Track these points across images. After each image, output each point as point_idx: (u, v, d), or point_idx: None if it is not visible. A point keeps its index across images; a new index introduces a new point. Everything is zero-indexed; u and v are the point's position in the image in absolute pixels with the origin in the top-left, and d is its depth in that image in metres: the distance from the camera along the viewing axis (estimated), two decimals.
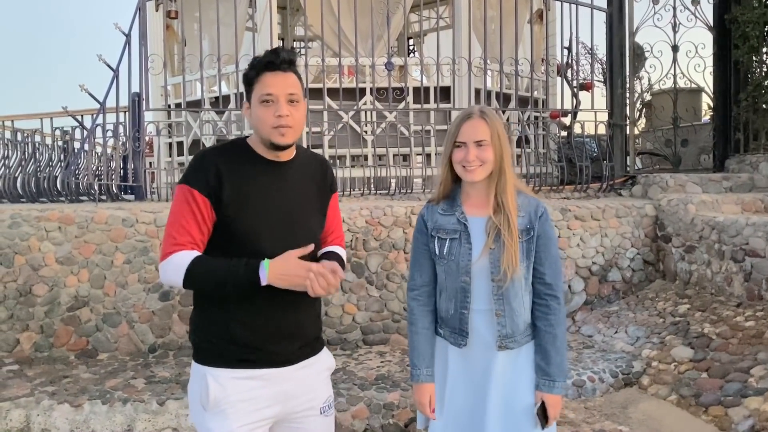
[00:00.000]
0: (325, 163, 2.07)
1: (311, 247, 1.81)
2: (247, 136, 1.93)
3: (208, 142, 6.59)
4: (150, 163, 7.84)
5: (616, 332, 4.68)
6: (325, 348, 2.05)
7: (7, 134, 6.53)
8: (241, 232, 1.81)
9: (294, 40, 11.07)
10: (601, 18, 6.67)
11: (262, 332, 1.84)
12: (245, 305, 1.82)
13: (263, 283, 1.73)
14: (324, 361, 2.01)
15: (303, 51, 11.04)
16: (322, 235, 2.03)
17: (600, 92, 7.80)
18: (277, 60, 1.80)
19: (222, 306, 1.83)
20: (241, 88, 6.79)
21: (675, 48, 6.68)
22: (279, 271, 1.73)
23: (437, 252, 2.05)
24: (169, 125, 6.94)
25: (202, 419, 1.85)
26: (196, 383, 1.87)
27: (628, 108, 6.64)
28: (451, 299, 2.04)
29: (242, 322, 1.82)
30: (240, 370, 1.82)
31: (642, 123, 8.18)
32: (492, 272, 1.97)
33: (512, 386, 2.02)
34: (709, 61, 6.70)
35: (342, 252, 2.08)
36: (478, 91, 6.60)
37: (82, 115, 6.61)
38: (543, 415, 2.02)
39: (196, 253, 1.78)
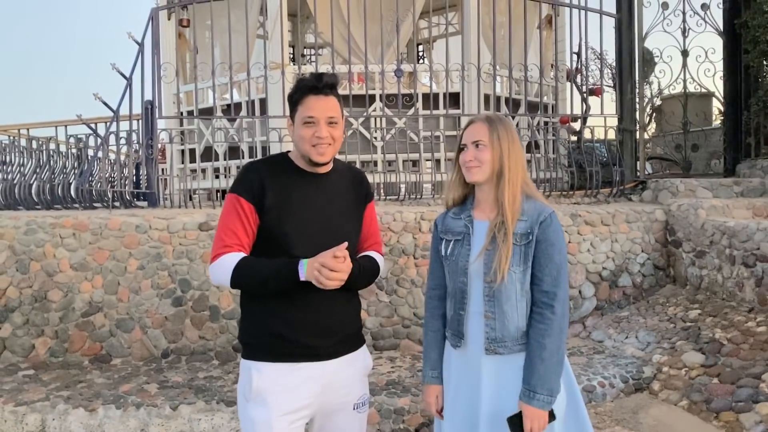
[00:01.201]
0: (360, 174, 2.23)
1: (344, 244, 1.91)
2: (289, 151, 2.10)
3: (220, 149, 6.66)
4: (163, 170, 7.93)
5: (626, 337, 4.67)
6: (364, 347, 2.17)
7: (23, 142, 6.62)
8: (282, 237, 1.97)
9: (304, 47, 11.15)
10: (610, 23, 6.73)
11: (301, 327, 1.98)
12: (284, 302, 1.97)
13: (302, 278, 1.88)
14: (362, 360, 2.14)
15: (313, 58, 11.11)
16: (360, 241, 2.17)
17: (610, 97, 7.80)
18: (320, 84, 1.97)
19: (263, 304, 1.99)
20: (253, 96, 6.80)
21: (685, 53, 6.68)
22: (310, 268, 1.87)
23: (443, 253, 2.09)
24: (182, 132, 7.02)
25: (245, 410, 1.99)
26: (242, 378, 2.02)
27: (637, 113, 6.65)
28: (452, 300, 2.08)
29: (282, 318, 1.98)
30: (282, 363, 1.97)
31: (652, 128, 8.16)
32: (485, 273, 1.98)
33: (504, 395, 1.98)
34: (720, 66, 6.70)
35: (376, 255, 2.20)
36: (487, 97, 6.62)
37: (95, 123, 6.71)
38: (518, 425, 1.92)
39: (242, 255, 1.94)
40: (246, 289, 2.02)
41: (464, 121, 6.49)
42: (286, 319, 1.97)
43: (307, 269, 1.87)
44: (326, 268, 1.84)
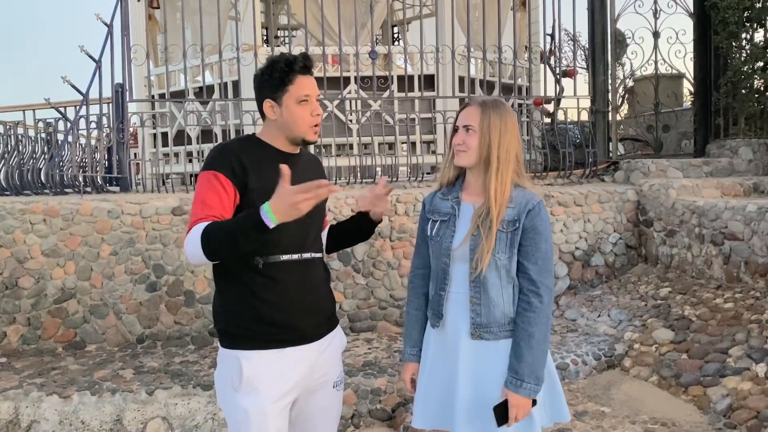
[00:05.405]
0: (316, 157, 2.31)
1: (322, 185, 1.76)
2: (254, 133, 2.09)
3: (193, 132, 6.58)
4: (135, 154, 7.82)
5: (599, 316, 4.76)
6: (339, 326, 2.21)
7: None
8: None
9: (278, 29, 11.02)
10: (583, 5, 6.71)
11: (289, 310, 1.98)
12: (270, 287, 1.95)
13: (270, 224, 1.72)
14: (339, 338, 2.18)
15: (287, 40, 10.99)
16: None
17: (583, 79, 7.86)
18: (309, 63, 1.99)
19: (248, 289, 1.95)
20: (225, 78, 6.67)
21: (656, 34, 6.72)
22: (280, 207, 1.72)
23: (428, 232, 2.09)
24: (153, 116, 6.91)
25: (233, 400, 1.96)
26: (226, 368, 1.99)
27: (610, 94, 6.69)
28: (434, 280, 2.09)
29: (269, 302, 1.96)
30: (270, 350, 1.95)
31: (624, 109, 8.24)
32: (470, 258, 1.97)
33: (486, 381, 1.98)
34: (690, 47, 6.75)
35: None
36: (462, 79, 6.62)
37: (65, 107, 6.58)
38: (503, 413, 1.91)
39: (210, 221, 1.85)
40: (222, 254, 1.86)
41: (439, 103, 6.50)
42: (275, 304, 1.96)
43: (273, 212, 1.71)
44: (300, 197, 1.70)
